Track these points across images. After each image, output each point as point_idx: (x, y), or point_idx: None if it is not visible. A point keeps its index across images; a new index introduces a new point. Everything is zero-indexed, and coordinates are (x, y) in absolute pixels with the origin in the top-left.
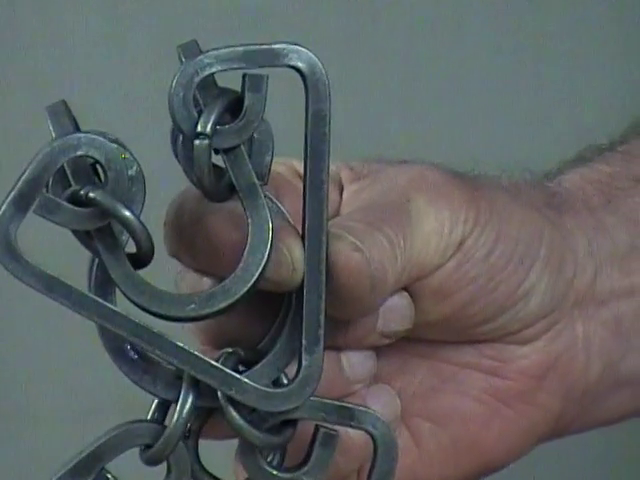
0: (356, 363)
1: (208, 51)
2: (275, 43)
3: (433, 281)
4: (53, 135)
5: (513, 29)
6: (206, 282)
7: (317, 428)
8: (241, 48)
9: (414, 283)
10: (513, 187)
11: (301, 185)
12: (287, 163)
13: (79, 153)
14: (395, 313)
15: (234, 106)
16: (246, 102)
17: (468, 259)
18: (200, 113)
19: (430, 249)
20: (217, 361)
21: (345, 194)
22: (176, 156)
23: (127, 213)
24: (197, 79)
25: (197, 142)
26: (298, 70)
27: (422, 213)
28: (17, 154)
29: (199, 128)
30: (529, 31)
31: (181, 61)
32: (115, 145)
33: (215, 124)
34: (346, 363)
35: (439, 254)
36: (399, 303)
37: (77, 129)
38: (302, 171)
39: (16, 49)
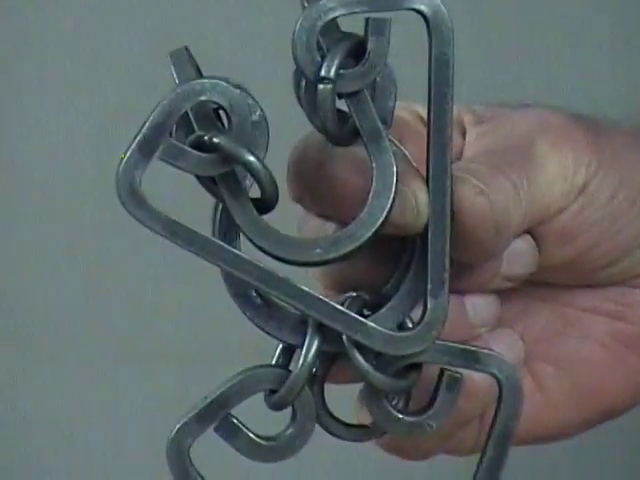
0: (480, 307)
1: None
2: None
3: (557, 224)
4: (176, 81)
5: None
6: (330, 227)
7: (442, 371)
8: None
9: (537, 227)
10: (635, 131)
11: (424, 129)
12: (410, 107)
13: (203, 98)
14: (519, 256)
15: (357, 50)
16: (369, 46)
17: (591, 202)
18: (323, 57)
19: (554, 192)
20: (342, 305)
21: (468, 137)
22: (299, 100)
23: (252, 158)
24: (320, 23)
25: (321, 86)
26: (421, 13)
27: (546, 156)
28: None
29: (323, 72)
30: None
31: (303, 5)
32: (238, 90)
33: (339, 68)
34: (470, 307)
35: (562, 197)
36: (523, 247)
37: (200, 75)
38: (425, 115)
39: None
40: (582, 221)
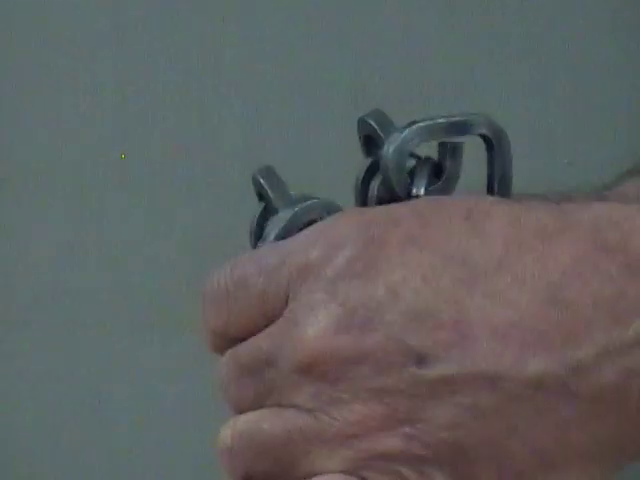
0: None
1: (413, 123)
2: (467, 114)
3: None
4: (270, 195)
5: None
6: None
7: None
8: (441, 120)
9: None
10: None
11: None
12: None
13: (313, 217)
14: None
15: (436, 171)
16: (447, 167)
17: None
18: (412, 178)
19: None
20: None
21: None
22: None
23: None
24: (407, 149)
25: None
26: (487, 138)
27: None
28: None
29: (414, 191)
30: None
31: (380, 135)
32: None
33: (427, 188)
34: None
35: None
36: None
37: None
38: None
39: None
40: None
